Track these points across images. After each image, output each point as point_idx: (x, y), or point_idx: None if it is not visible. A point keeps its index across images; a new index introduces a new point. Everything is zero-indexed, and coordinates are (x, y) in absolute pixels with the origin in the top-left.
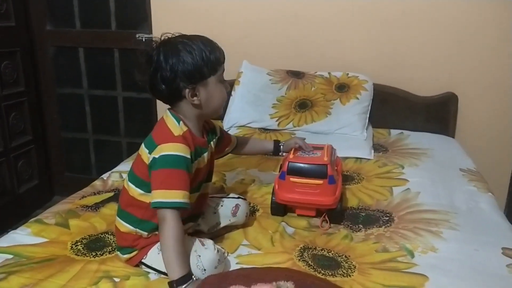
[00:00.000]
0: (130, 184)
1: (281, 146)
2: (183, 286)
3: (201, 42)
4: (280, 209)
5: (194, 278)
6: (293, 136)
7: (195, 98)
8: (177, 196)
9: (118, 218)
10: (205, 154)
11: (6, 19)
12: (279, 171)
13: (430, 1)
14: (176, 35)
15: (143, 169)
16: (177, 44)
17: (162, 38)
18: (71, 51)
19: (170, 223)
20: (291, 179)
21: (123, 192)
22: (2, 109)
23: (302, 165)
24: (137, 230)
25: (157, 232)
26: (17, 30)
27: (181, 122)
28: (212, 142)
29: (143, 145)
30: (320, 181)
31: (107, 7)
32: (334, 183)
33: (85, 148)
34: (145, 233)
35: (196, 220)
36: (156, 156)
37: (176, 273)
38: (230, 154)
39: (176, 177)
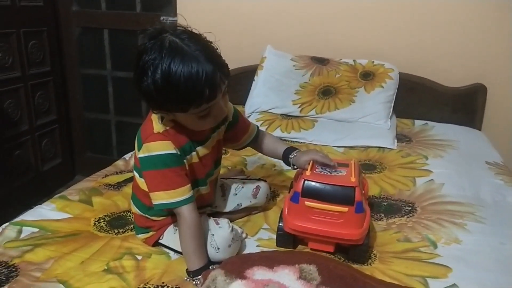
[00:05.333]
0: (135, 172)
1: (292, 158)
2: (200, 276)
3: (184, 73)
4: (288, 240)
5: (211, 266)
6: (311, 149)
7: (160, 114)
8: (177, 194)
9: (131, 200)
10: (205, 146)
11: None
12: (290, 190)
13: None
14: (185, 38)
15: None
16: (167, 56)
17: (169, 36)
18: (96, 32)
19: (184, 218)
20: (307, 203)
21: (133, 178)
22: (28, 88)
23: (322, 185)
24: (146, 215)
25: (170, 216)
26: (45, 10)
27: (165, 118)
28: (219, 130)
29: (137, 136)
30: (344, 208)
31: None
32: (362, 212)
33: (107, 129)
34: (154, 218)
35: (211, 205)
36: (143, 156)
37: (194, 265)
38: None
39: (170, 176)
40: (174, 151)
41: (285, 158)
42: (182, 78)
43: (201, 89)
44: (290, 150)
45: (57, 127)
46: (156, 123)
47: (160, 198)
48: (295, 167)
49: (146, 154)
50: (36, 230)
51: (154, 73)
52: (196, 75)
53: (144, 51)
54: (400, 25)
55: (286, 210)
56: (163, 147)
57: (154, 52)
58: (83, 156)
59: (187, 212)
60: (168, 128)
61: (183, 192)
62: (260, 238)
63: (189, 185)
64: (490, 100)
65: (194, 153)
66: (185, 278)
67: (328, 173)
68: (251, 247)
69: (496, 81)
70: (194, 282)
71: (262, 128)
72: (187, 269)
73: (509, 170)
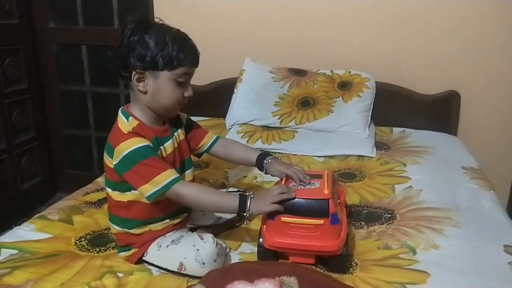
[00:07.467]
0: (107, 188)
1: (266, 164)
2: (248, 204)
3: (174, 37)
4: (268, 256)
5: (248, 193)
6: (288, 164)
7: (140, 84)
8: (164, 178)
9: (109, 221)
10: (169, 143)
11: (9, 17)
12: None
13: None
14: (163, 23)
15: (111, 172)
16: (150, 27)
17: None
18: (74, 48)
19: (183, 193)
20: (283, 218)
21: (107, 196)
22: (5, 106)
23: (296, 200)
24: (125, 229)
25: (149, 229)
26: (20, 28)
27: (130, 117)
28: (178, 132)
29: (105, 150)
30: (320, 221)
31: (109, 4)
32: (337, 223)
33: (87, 145)
34: (134, 231)
35: (190, 211)
36: (118, 160)
37: (232, 205)
38: None
39: (151, 164)
40: (147, 143)
41: (259, 163)
42: (179, 37)
43: (191, 50)
44: (263, 155)
45: (36, 145)
46: (123, 125)
47: (149, 189)
48: (268, 173)
49: (121, 156)
50: (15, 252)
51: (156, 31)
52: (189, 39)
53: (138, 27)
54: (375, 35)
55: (265, 227)
56: (137, 142)
57: (147, 24)
58: (64, 173)
59: (182, 187)
60: (134, 126)
61: (169, 175)
62: (243, 252)
63: (171, 169)
64: (464, 106)
65: (162, 147)
66: (245, 221)
67: (302, 187)
68: (234, 261)
69: (469, 88)
70: (246, 215)
71: (243, 141)
72: (237, 213)
73: (483, 175)
